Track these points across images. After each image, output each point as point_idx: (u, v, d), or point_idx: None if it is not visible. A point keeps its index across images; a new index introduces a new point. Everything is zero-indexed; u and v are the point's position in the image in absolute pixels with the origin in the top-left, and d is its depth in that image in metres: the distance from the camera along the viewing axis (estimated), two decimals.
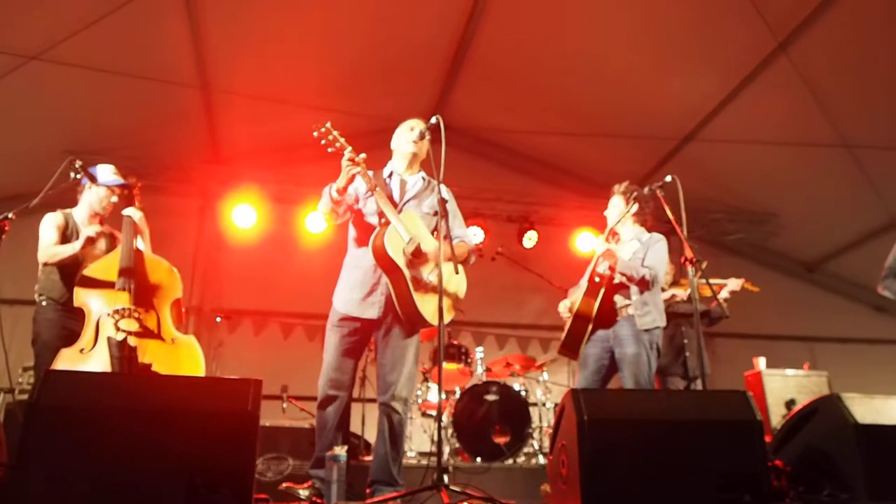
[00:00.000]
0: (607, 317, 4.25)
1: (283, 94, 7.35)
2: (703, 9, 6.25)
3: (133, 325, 3.74)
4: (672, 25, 6.53)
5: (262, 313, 8.54)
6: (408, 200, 3.88)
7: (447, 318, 3.76)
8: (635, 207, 4.48)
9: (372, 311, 3.69)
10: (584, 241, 8.91)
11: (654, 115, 7.82)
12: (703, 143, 7.98)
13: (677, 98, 7.48)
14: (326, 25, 6.75)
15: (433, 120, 3.64)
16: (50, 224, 4.19)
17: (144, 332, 3.75)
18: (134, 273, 3.91)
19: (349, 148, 3.62)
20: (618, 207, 4.54)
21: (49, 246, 4.12)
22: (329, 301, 3.84)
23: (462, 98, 8.20)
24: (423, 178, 4.01)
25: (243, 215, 8.21)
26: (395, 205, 3.79)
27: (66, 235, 4.19)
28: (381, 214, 3.68)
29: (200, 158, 8.37)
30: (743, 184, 8.81)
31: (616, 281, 4.26)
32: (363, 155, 3.63)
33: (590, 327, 4.28)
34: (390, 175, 3.97)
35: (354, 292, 3.73)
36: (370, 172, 3.72)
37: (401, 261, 3.58)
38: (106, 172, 4.29)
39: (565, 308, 4.48)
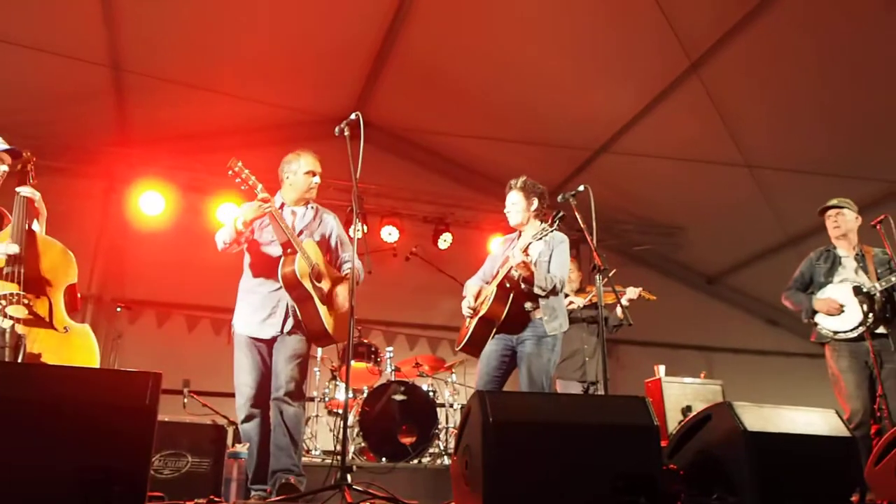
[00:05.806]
0: (514, 320, 4.26)
1: (200, 80, 7.13)
2: (624, 25, 6.45)
3: (22, 312, 3.48)
4: (594, 38, 6.72)
5: (166, 304, 8.24)
6: (300, 231, 4.08)
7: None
8: (537, 204, 4.46)
9: (271, 331, 3.94)
10: (499, 246, 8.98)
11: (571, 124, 8.00)
12: (617, 155, 8.22)
13: (595, 109, 7.69)
14: (250, 13, 6.59)
15: (353, 116, 3.78)
16: None
17: (34, 320, 3.50)
18: (24, 257, 3.59)
19: (260, 185, 3.81)
20: (519, 205, 4.47)
21: None
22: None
23: (384, 96, 8.17)
24: (311, 208, 4.22)
25: (151, 202, 7.91)
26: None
27: None
28: (285, 245, 3.88)
29: (107, 140, 7.99)
30: (653, 197, 9.13)
31: (533, 290, 4.27)
32: (272, 203, 3.85)
33: (494, 330, 4.31)
34: (282, 206, 4.13)
35: (254, 315, 3.96)
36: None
37: (310, 287, 3.86)
38: None
39: (468, 309, 4.46)
